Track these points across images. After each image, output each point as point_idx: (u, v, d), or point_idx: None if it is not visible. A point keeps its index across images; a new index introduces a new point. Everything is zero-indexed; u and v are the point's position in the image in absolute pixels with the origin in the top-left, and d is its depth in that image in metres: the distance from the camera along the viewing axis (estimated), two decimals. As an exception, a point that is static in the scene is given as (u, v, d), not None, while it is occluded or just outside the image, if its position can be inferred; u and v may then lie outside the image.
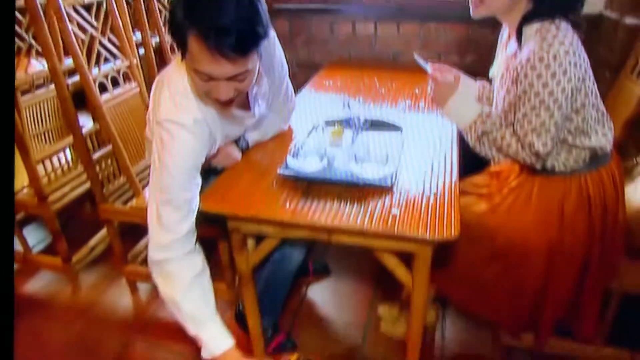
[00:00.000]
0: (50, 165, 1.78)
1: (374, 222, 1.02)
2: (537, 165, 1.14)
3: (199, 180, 1.13)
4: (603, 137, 1.16)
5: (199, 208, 1.13)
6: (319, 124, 1.46)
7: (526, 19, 1.11)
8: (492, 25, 2.19)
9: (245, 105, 1.25)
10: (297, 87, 1.67)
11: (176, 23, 0.91)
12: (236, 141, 1.34)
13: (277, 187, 1.17)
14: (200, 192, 1.15)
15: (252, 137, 1.38)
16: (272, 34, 1.19)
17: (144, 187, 1.72)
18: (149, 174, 1.75)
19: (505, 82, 1.18)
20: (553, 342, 1.39)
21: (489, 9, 1.15)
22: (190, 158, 1.09)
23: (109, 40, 1.65)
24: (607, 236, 1.18)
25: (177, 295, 1.09)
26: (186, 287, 1.09)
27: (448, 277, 1.32)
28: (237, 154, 1.31)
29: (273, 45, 1.27)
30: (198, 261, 1.14)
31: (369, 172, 1.17)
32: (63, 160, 1.89)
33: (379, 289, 1.84)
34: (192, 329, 1.12)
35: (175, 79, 1.10)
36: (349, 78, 2.07)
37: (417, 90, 1.88)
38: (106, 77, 1.63)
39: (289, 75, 1.44)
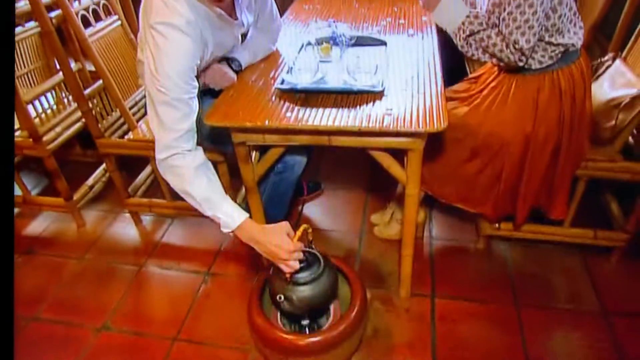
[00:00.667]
0: (40, 106, 1.78)
1: (370, 122, 1.12)
2: (519, 63, 1.23)
3: (196, 83, 1.18)
4: (575, 34, 1.26)
5: (200, 130, 1.21)
6: (307, 43, 1.51)
7: None
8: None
9: (233, 13, 1.31)
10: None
11: None
12: (229, 64, 1.39)
13: (276, 101, 1.25)
14: (201, 113, 1.21)
15: (244, 58, 1.43)
16: None
17: (138, 120, 1.76)
18: (142, 107, 1.81)
19: None
20: (526, 227, 1.58)
21: None
22: (185, 58, 1.13)
23: (85, -30, 1.62)
24: (575, 125, 1.32)
25: (187, 185, 1.19)
26: (193, 176, 1.18)
27: (435, 177, 1.46)
28: (232, 74, 1.36)
29: None
30: (200, 155, 1.22)
31: (360, 81, 1.25)
32: (52, 101, 1.89)
33: (370, 199, 1.99)
34: (208, 211, 1.21)
35: None
36: (327, 1, 2.09)
37: (396, 9, 1.93)
38: (87, 10, 1.61)
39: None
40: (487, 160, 1.37)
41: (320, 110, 1.18)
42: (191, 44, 1.13)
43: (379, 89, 1.23)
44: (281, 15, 1.96)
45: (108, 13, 1.74)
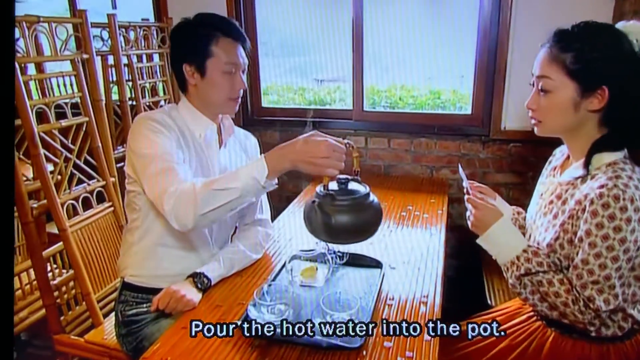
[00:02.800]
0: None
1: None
2: (589, 327, 0.96)
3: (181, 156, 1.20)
4: None
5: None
6: (291, 259, 1.34)
7: (597, 146, 1.00)
8: (483, 141, 2.19)
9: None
10: (286, 197, 1.61)
11: (200, 39, 1.22)
12: (193, 281, 1.22)
13: (230, 346, 1.02)
14: (148, 340, 1.05)
15: (215, 273, 1.27)
16: None
17: (105, 316, 1.58)
18: (112, 301, 1.65)
19: (554, 211, 1.05)
20: None
21: (548, 128, 1.06)
22: (165, 130, 1.19)
23: (86, 161, 1.62)
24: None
25: (194, 193, 1.06)
26: (193, 183, 1.09)
27: None
28: (193, 298, 1.18)
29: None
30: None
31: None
32: (25, 281, 1.77)
33: None
34: (234, 184, 1.06)
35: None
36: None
37: (410, 207, 1.80)
38: (77, 199, 1.57)
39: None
40: None
41: (277, 371, 0.94)
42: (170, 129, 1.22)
43: (356, 344, 0.98)
44: (289, 199, 1.89)
45: (101, 200, 1.70)
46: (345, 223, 1.05)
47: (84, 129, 1.60)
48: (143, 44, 2.13)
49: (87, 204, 1.61)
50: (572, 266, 0.96)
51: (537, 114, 1.05)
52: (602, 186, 0.91)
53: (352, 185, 1.12)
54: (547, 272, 0.99)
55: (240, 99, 1.32)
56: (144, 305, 1.33)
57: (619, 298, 0.92)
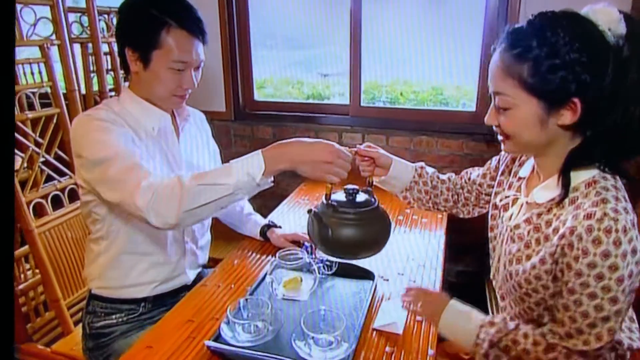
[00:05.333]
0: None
1: None
2: None
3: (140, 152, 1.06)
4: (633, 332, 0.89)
5: None
6: (274, 267, 1.22)
7: (572, 161, 0.83)
8: (488, 140, 2.05)
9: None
10: (278, 196, 1.49)
11: (149, 24, 1.04)
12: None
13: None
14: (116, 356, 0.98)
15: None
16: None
17: (76, 323, 1.46)
18: (83, 307, 1.53)
19: (525, 239, 0.90)
20: None
21: (518, 145, 0.88)
22: (116, 127, 1.04)
23: (57, 156, 1.50)
24: None
25: (180, 187, 0.92)
26: (178, 176, 0.95)
27: None
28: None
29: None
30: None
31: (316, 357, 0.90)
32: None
33: None
34: (226, 180, 0.93)
35: None
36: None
37: (407, 210, 1.68)
38: (45, 197, 1.45)
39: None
40: None
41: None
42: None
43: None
44: (283, 196, 1.77)
45: (73, 199, 1.57)
46: (344, 237, 0.97)
47: (54, 121, 1.47)
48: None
49: (58, 203, 1.49)
50: (559, 309, 0.81)
51: (500, 130, 0.88)
52: (589, 216, 0.75)
53: (360, 197, 1.03)
54: (512, 331, 0.85)
55: (187, 96, 1.16)
56: (114, 316, 1.22)
57: (614, 334, 0.77)
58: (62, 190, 1.51)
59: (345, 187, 1.03)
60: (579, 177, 0.83)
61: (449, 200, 1.18)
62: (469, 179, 1.17)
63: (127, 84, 1.17)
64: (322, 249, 1.02)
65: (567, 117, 0.79)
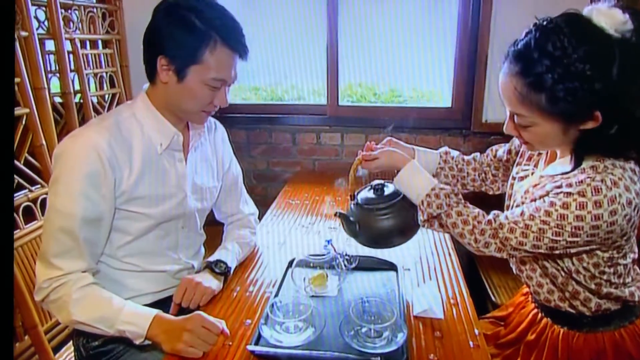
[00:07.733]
0: None
1: None
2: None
3: (107, 224, 0.99)
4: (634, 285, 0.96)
5: None
6: (289, 265, 1.17)
7: (588, 149, 0.85)
8: (465, 135, 2.13)
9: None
10: (256, 202, 1.41)
11: (192, 37, 0.94)
12: (211, 269, 1.11)
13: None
14: None
15: (229, 256, 1.16)
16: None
17: (55, 350, 1.29)
18: (64, 330, 1.36)
19: (528, 199, 0.93)
20: None
21: (539, 148, 0.96)
22: (99, 190, 0.94)
23: (27, 162, 1.33)
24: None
25: (69, 306, 0.93)
26: (78, 299, 0.94)
27: None
28: (211, 285, 1.06)
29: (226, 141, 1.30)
30: (87, 277, 0.98)
31: (375, 346, 0.86)
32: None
33: None
34: (110, 329, 0.93)
35: None
36: (317, 194, 1.84)
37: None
38: (16, 209, 1.27)
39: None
40: None
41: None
42: (100, 145, 0.94)
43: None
44: (263, 203, 1.69)
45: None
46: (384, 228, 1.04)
47: (23, 122, 1.31)
48: (89, 28, 1.84)
49: (31, 215, 1.31)
50: (509, 209, 0.92)
51: (522, 139, 0.92)
52: (587, 177, 0.81)
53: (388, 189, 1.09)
54: (456, 205, 0.95)
55: (213, 113, 1.08)
56: None
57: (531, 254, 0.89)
58: (34, 200, 1.33)
59: (371, 183, 1.10)
60: (593, 158, 0.86)
61: (477, 180, 1.21)
62: (495, 156, 1.20)
63: (146, 86, 1.05)
64: (360, 241, 1.08)
65: (589, 124, 0.81)
